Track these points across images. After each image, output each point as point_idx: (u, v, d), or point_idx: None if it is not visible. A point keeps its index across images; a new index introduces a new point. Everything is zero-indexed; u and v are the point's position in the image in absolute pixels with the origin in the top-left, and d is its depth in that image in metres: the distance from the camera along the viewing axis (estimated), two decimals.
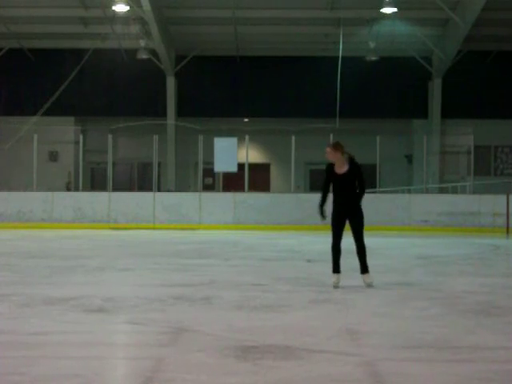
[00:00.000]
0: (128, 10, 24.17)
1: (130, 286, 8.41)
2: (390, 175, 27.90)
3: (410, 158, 29.53)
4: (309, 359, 4.68)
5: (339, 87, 26.63)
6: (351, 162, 8.13)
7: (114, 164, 24.82)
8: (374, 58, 27.94)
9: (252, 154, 26.89)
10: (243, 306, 6.75)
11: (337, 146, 8.17)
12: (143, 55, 27.59)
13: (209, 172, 24.83)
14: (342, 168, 8.10)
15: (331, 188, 8.30)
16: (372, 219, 21.16)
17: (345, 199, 8.13)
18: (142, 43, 26.89)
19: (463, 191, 25.24)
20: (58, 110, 28.20)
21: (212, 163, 22.44)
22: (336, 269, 8.23)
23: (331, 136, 22.48)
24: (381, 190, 24.44)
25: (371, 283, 8.15)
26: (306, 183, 30.67)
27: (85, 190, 24.81)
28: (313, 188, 29.26)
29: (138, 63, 28.11)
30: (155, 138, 22.92)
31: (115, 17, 25.18)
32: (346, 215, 8.14)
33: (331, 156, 8.13)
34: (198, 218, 21.35)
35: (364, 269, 8.25)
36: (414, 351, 4.93)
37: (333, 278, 8.18)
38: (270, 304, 6.74)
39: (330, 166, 8.19)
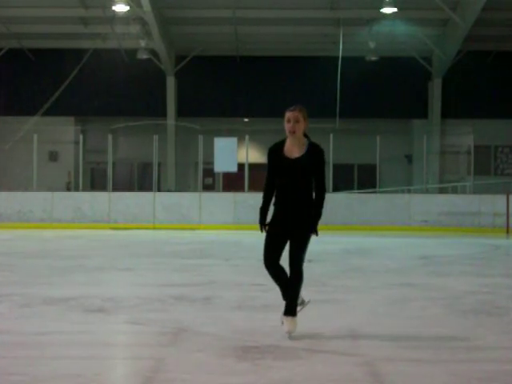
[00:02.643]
0: (128, 10, 24.18)
1: (130, 285, 8.41)
2: (390, 175, 27.91)
3: (409, 158, 29.55)
4: (309, 359, 4.68)
5: (339, 87, 26.64)
6: (313, 145, 5.39)
7: (114, 164, 24.81)
8: (373, 58, 27.95)
9: (252, 154, 26.86)
10: (243, 306, 6.75)
11: (306, 114, 5.39)
12: (143, 55, 27.61)
13: (209, 172, 24.83)
14: (297, 150, 5.34)
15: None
16: (372, 219, 21.35)
17: (291, 200, 5.36)
18: (142, 43, 26.90)
19: (463, 191, 25.25)
20: (58, 109, 28.22)
21: (212, 163, 22.44)
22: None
23: (331, 136, 22.49)
24: (380, 190, 24.45)
25: (291, 332, 5.26)
26: None
27: (85, 190, 24.82)
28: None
29: (138, 63, 28.12)
30: (155, 138, 22.93)
31: (115, 17, 25.19)
32: (288, 226, 5.38)
33: (292, 125, 5.30)
34: (198, 218, 21.35)
35: (289, 309, 5.31)
36: (414, 351, 4.93)
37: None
38: (270, 304, 6.73)
39: (277, 147, 5.42)
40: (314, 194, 5.43)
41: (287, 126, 5.33)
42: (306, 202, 5.37)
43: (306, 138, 5.41)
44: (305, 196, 5.38)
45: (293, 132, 5.30)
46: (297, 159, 5.33)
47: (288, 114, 5.36)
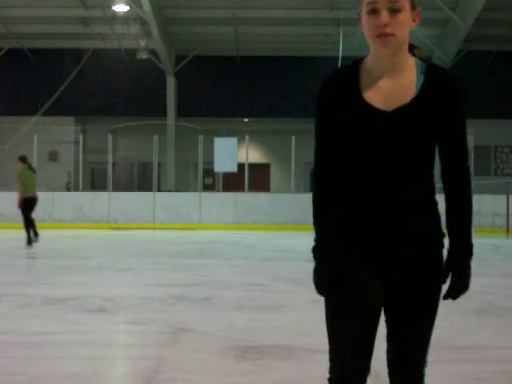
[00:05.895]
0: (128, 10, 24.21)
1: (130, 285, 8.41)
2: None
3: None
4: (309, 359, 4.67)
5: None
6: (433, 69, 2.18)
7: (113, 164, 24.83)
8: None
9: (252, 154, 26.88)
10: (243, 306, 6.75)
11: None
12: (143, 55, 27.63)
13: (209, 172, 24.84)
14: (398, 87, 2.15)
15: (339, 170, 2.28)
16: None
17: (391, 206, 2.22)
18: (142, 43, 26.92)
19: None
20: (58, 110, 28.21)
21: (212, 163, 22.45)
22: None
23: None
24: None
25: None
26: (306, 183, 30.69)
27: (85, 190, 24.83)
28: None
29: (138, 63, 28.13)
30: (155, 138, 22.94)
31: (115, 17, 25.20)
32: (385, 271, 2.24)
33: (384, 20, 2.06)
34: (198, 218, 21.35)
35: None
36: None
37: None
38: (270, 304, 6.73)
39: (344, 80, 2.20)
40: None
41: (371, 24, 2.14)
42: (426, 207, 2.48)
43: (411, 52, 2.24)
44: (422, 196, 2.51)
45: (387, 35, 2.11)
46: (401, 111, 2.20)
47: None
